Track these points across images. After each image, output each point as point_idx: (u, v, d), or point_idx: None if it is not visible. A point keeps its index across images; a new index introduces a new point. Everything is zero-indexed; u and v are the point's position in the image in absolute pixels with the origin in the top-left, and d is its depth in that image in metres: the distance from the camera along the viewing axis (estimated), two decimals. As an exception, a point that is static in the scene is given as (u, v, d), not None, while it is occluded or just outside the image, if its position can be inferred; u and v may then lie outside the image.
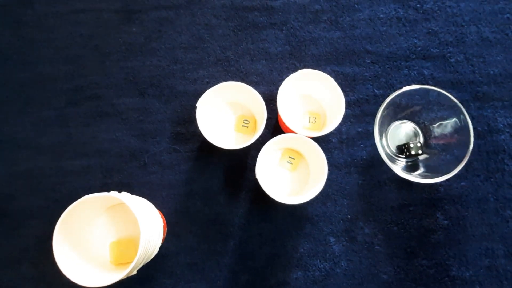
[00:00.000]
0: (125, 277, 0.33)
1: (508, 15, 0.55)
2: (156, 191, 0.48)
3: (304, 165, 0.48)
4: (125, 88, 0.52)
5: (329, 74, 0.46)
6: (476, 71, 0.53)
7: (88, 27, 0.53)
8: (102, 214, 0.41)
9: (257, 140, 0.44)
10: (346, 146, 0.50)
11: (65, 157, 0.49)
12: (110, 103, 0.51)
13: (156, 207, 0.45)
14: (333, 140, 0.51)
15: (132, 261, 0.33)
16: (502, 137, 0.51)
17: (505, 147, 0.51)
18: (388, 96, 0.45)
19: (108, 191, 0.47)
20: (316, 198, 0.41)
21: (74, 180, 0.48)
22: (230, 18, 0.54)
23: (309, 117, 0.49)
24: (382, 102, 0.45)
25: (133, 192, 0.48)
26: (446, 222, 0.48)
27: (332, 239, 0.48)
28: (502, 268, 0.47)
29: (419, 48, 0.53)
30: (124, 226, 0.41)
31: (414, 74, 0.53)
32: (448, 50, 0.53)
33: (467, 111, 0.44)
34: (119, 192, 0.38)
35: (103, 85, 0.52)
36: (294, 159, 0.47)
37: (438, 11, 0.55)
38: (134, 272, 0.34)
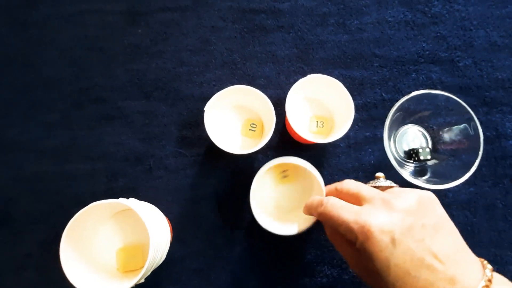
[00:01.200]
0: (134, 285, 0.32)
1: (516, 19, 0.55)
2: (161, 195, 0.48)
3: (303, 182, 0.47)
4: (130, 91, 0.51)
5: (337, 77, 0.45)
6: (484, 76, 0.53)
7: (93, 28, 0.53)
8: (109, 221, 0.41)
9: (265, 144, 0.43)
10: (353, 151, 0.50)
11: (69, 160, 0.49)
12: (115, 106, 0.50)
13: (161, 212, 0.45)
14: (341, 145, 0.50)
15: (139, 269, 0.32)
16: (511, 142, 0.51)
17: (514, 152, 0.50)
18: (396, 100, 0.45)
19: (113, 195, 0.47)
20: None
21: (79, 184, 0.48)
22: (237, 20, 0.53)
23: (317, 122, 0.49)
24: (390, 106, 0.45)
25: (138, 196, 0.47)
26: (454, 228, 0.48)
27: (339, 245, 0.47)
28: (511, 274, 0.47)
29: (427, 52, 0.53)
30: (131, 232, 0.40)
31: (422, 78, 0.52)
32: (457, 54, 0.53)
33: (475, 116, 0.44)
34: (127, 198, 0.37)
35: (108, 88, 0.51)
36: (287, 170, 0.47)
37: (447, 15, 0.54)
38: (143, 280, 0.34)
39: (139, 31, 0.53)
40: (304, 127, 0.49)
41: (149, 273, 0.35)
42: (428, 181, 0.45)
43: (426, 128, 0.50)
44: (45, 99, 0.50)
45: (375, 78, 0.52)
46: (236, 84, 0.46)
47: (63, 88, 0.51)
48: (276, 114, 0.44)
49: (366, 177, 0.49)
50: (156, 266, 0.39)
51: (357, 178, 0.49)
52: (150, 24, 0.53)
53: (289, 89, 0.44)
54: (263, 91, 0.44)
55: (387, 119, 0.44)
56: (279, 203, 0.47)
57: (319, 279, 0.46)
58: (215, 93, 0.44)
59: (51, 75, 0.51)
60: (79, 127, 0.50)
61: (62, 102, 0.50)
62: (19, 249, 0.46)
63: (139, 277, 0.31)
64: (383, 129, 0.45)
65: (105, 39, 0.53)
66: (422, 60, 0.53)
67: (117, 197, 0.37)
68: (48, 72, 0.51)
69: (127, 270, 0.38)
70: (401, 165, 0.47)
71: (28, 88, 0.51)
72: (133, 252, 0.39)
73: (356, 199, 0.31)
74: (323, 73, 0.45)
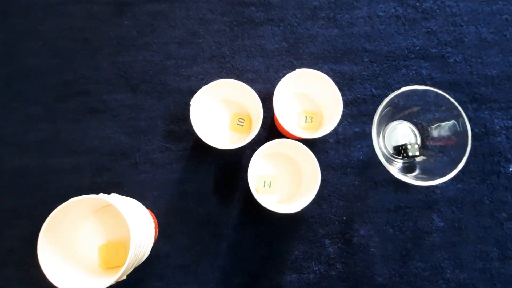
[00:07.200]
0: (115, 282, 0.32)
1: (506, 16, 0.55)
2: (147, 190, 0.47)
3: (296, 170, 0.47)
4: (116, 83, 0.50)
5: (327, 72, 0.45)
6: (474, 72, 0.53)
7: (78, 19, 0.51)
8: (91, 216, 0.40)
9: (253, 139, 0.43)
10: (342, 147, 0.50)
11: (53, 154, 0.47)
12: (101, 99, 0.49)
13: (147, 207, 0.44)
14: (330, 140, 0.50)
15: (122, 265, 0.32)
16: (499, 139, 0.51)
17: (501, 149, 0.51)
18: (385, 96, 0.45)
19: (98, 190, 0.46)
20: (312, 199, 0.41)
21: (62, 178, 0.47)
22: (226, 13, 0.52)
23: (306, 117, 0.48)
24: (380, 102, 0.44)
25: (123, 191, 0.46)
26: (441, 224, 0.48)
27: (327, 241, 0.47)
28: (496, 270, 0.47)
29: (417, 48, 0.53)
30: (114, 228, 0.40)
31: (412, 74, 0.52)
32: (447, 50, 0.53)
33: (464, 113, 0.43)
34: (109, 193, 0.36)
35: (93, 80, 0.50)
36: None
37: (438, 10, 0.54)
38: (124, 277, 0.33)
39: (126, 22, 0.52)
40: (293, 122, 0.48)
41: (131, 270, 0.35)
42: (416, 178, 0.44)
43: (415, 124, 0.49)
44: (28, 91, 0.49)
45: (365, 73, 0.52)
46: (225, 78, 0.45)
47: (46, 80, 0.49)
48: (265, 109, 0.44)
49: (355, 173, 0.49)
50: (140, 263, 0.38)
51: (345, 174, 0.49)
52: (137, 15, 0.52)
53: (278, 83, 0.44)
54: (251, 85, 0.44)
55: (376, 114, 0.44)
56: (276, 181, 0.46)
57: (306, 275, 0.46)
58: (203, 86, 0.43)
59: (34, 67, 0.50)
60: (63, 120, 0.49)
61: (45, 94, 0.49)
62: (0, 244, 0.45)
63: (119, 274, 0.31)
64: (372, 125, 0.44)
65: (90, 30, 0.51)
66: (413, 55, 0.52)
67: (102, 192, 0.36)
68: (31, 63, 0.50)
69: (109, 267, 0.38)
70: (390, 161, 0.47)
71: (10, 80, 0.49)
72: (115, 249, 0.38)
73: None
74: (312, 68, 0.45)
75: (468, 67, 0.53)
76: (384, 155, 0.46)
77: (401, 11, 0.54)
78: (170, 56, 0.51)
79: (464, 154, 0.43)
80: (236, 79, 0.44)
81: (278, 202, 0.46)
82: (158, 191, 0.47)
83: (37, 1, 0.52)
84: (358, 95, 0.51)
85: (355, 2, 0.54)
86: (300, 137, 0.44)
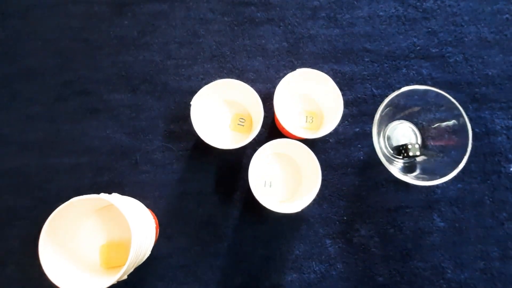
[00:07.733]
0: (115, 282, 0.31)
1: (507, 15, 0.55)
2: (148, 191, 0.47)
3: (297, 170, 0.47)
4: (116, 83, 0.50)
5: (327, 72, 0.45)
6: (475, 72, 0.53)
7: (78, 19, 0.51)
8: (92, 216, 0.40)
9: (253, 139, 0.43)
10: (343, 147, 0.50)
11: (53, 154, 0.47)
12: (101, 99, 0.49)
13: (147, 207, 0.44)
14: (330, 140, 0.50)
15: (123, 265, 0.32)
16: (499, 139, 0.51)
17: (502, 149, 0.51)
18: (386, 95, 0.45)
19: (98, 190, 0.46)
20: (312, 199, 0.41)
21: (63, 178, 0.47)
22: (226, 12, 0.52)
23: (306, 117, 0.48)
24: (380, 101, 0.44)
25: (124, 191, 0.46)
26: (442, 224, 0.48)
27: (328, 241, 0.47)
28: (497, 270, 0.47)
29: (418, 48, 0.53)
30: (115, 228, 0.40)
31: (413, 73, 0.52)
32: (447, 50, 0.53)
33: (465, 112, 0.43)
34: (110, 193, 0.36)
35: (94, 80, 0.50)
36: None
37: (438, 10, 0.54)
38: (125, 277, 0.33)
39: (126, 22, 0.52)
40: (294, 122, 0.48)
41: (132, 269, 0.35)
42: (417, 178, 0.44)
43: (415, 124, 0.49)
44: (28, 91, 0.49)
45: (365, 73, 0.52)
46: (225, 77, 0.45)
47: (46, 80, 0.49)
48: (265, 109, 0.44)
49: (355, 173, 0.49)
50: (140, 263, 0.38)
51: (346, 174, 0.49)
52: (137, 15, 0.52)
53: (278, 83, 0.44)
54: (252, 85, 0.44)
55: (376, 114, 0.44)
56: (276, 180, 0.46)
57: (307, 275, 0.46)
58: (203, 86, 0.43)
59: (34, 67, 0.50)
60: (63, 120, 0.48)
61: (45, 94, 0.49)
62: (0, 244, 0.45)
63: (120, 273, 0.31)
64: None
65: (90, 30, 0.51)
66: (413, 55, 0.52)
67: (103, 192, 0.36)
68: (31, 63, 0.50)
69: (110, 267, 0.38)
70: (390, 161, 0.47)
71: (9, 80, 0.49)
72: (116, 248, 0.38)
73: None
74: (313, 68, 0.45)
75: (468, 67, 0.53)
76: (384, 155, 0.46)
77: (401, 11, 0.54)
78: (170, 56, 0.51)
79: (464, 154, 0.43)
80: (237, 79, 0.44)
81: (279, 202, 0.46)
82: (159, 191, 0.47)
83: (37, 1, 0.52)
84: (359, 95, 0.51)
85: (355, 2, 0.54)
86: (300, 137, 0.44)
